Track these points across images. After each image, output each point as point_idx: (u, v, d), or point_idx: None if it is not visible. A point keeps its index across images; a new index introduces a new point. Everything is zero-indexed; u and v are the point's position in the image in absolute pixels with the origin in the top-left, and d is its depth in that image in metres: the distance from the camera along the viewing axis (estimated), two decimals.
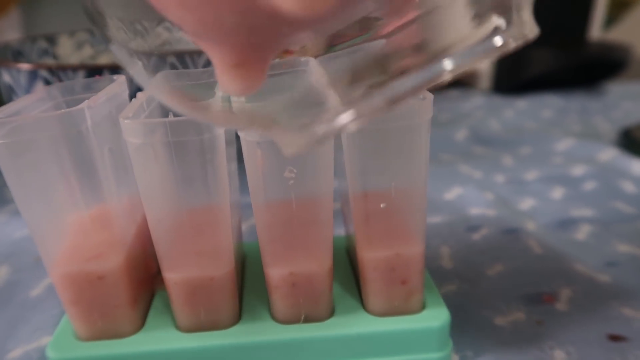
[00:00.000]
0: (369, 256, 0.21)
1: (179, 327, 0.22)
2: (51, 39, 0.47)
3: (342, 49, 0.22)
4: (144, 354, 0.21)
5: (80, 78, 0.33)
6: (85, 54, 0.49)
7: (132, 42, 0.48)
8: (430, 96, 0.19)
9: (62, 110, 0.18)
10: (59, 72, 0.33)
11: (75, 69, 0.33)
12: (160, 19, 0.54)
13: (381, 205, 0.20)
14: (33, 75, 0.33)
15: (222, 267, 0.21)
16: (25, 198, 0.19)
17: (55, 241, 0.20)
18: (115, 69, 0.33)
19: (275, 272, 0.21)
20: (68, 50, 0.48)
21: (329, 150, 0.19)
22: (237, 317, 0.22)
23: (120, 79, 0.22)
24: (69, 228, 0.20)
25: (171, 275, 0.20)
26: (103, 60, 0.50)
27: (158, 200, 0.19)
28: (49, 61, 0.46)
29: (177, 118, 0.18)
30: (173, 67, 0.34)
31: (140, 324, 0.22)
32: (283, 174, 0.19)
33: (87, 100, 0.19)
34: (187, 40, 0.51)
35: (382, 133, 0.19)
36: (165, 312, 0.23)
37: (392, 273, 0.21)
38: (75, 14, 0.62)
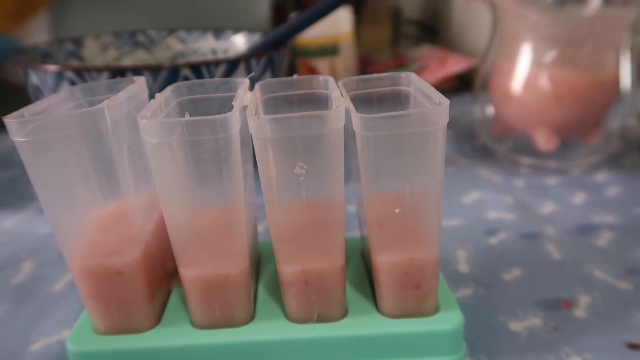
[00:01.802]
0: (383, 260, 0.21)
1: (194, 324, 0.22)
2: (78, 41, 0.48)
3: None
4: (160, 349, 0.21)
5: (103, 79, 0.34)
6: (110, 56, 0.51)
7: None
8: (446, 102, 0.19)
9: (83, 109, 0.18)
10: (84, 73, 0.34)
11: (99, 70, 0.34)
12: (172, 29, 0.55)
13: (395, 211, 0.20)
14: (59, 76, 0.34)
15: (237, 265, 0.21)
16: (47, 194, 0.19)
17: (75, 236, 0.21)
18: (137, 70, 0.34)
19: (288, 270, 0.21)
20: (94, 52, 0.49)
21: (338, 149, 0.19)
22: (252, 316, 0.22)
23: (140, 80, 0.23)
24: (89, 224, 0.21)
25: (187, 272, 0.21)
26: (127, 61, 0.51)
27: (174, 198, 0.20)
28: (75, 63, 0.47)
29: (192, 118, 0.18)
30: (187, 79, 0.34)
31: (157, 320, 0.22)
32: (294, 171, 0.19)
33: (106, 100, 0.19)
34: (203, 51, 0.52)
35: (397, 138, 0.19)
36: (181, 308, 0.23)
37: (405, 277, 0.21)
38: (101, 17, 0.64)
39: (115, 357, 0.21)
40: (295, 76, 0.23)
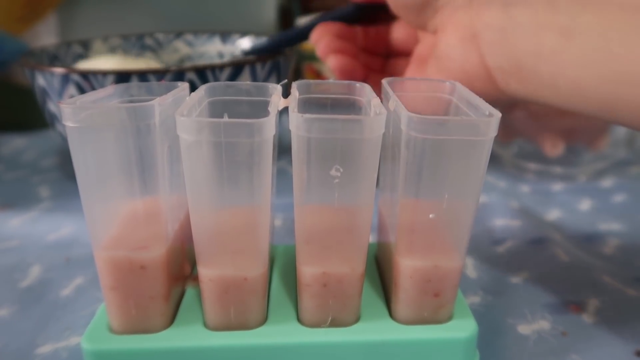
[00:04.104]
0: (407, 264, 0.21)
1: (207, 325, 0.22)
2: (85, 44, 0.49)
3: None
4: (174, 350, 0.21)
5: (110, 82, 0.34)
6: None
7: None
8: (497, 114, 0.19)
9: (136, 104, 0.19)
10: (90, 76, 0.34)
11: (105, 74, 0.34)
12: (179, 32, 0.55)
13: (430, 216, 0.20)
14: (65, 79, 0.34)
15: (257, 268, 0.21)
16: (86, 181, 0.20)
17: (106, 226, 0.21)
18: (143, 74, 0.34)
19: (308, 270, 0.21)
20: (101, 55, 0.50)
21: (375, 156, 0.19)
22: (265, 318, 0.23)
23: (184, 85, 0.23)
24: (121, 216, 0.21)
25: (206, 272, 0.21)
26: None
27: (203, 197, 0.20)
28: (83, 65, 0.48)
29: (231, 120, 0.18)
30: (191, 83, 0.35)
31: (171, 319, 0.23)
32: (329, 172, 0.19)
33: (158, 98, 0.20)
34: (210, 54, 0.52)
35: (445, 144, 0.19)
36: (194, 309, 0.23)
37: (426, 284, 0.21)
38: (108, 20, 0.64)
39: (130, 356, 0.21)
40: (331, 80, 0.23)
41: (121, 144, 0.20)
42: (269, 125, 0.19)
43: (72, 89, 0.35)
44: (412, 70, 0.30)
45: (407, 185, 0.20)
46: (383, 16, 0.33)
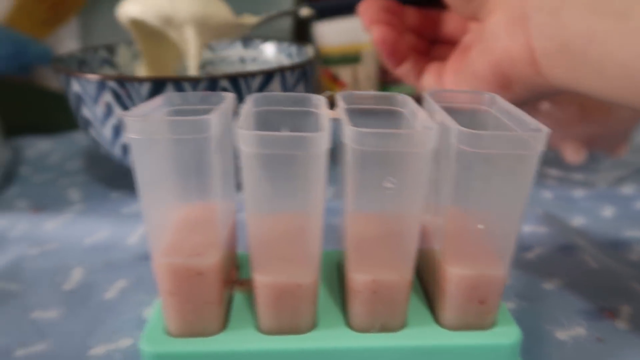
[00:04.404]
0: (454, 272, 0.22)
1: (260, 329, 0.23)
2: (111, 49, 0.49)
3: None
4: (231, 353, 0.22)
5: (145, 88, 0.34)
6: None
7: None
8: (546, 130, 0.20)
9: (195, 117, 0.20)
10: (126, 83, 0.35)
11: (141, 80, 0.34)
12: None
13: (479, 226, 0.21)
14: (102, 86, 0.35)
15: (310, 275, 0.22)
16: (146, 189, 0.21)
17: (164, 233, 0.22)
18: (178, 82, 0.35)
19: (359, 278, 0.22)
20: (126, 60, 0.50)
21: (427, 168, 0.20)
22: (315, 322, 0.23)
23: (231, 95, 0.24)
24: (177, 223, 0.22)
25: (261, 278, 0.22)
26: None
27: (261, 206, 0.21)
28: (109, 70, 0.48)
29: (291, 133, 0.19)
30: (224, 90, 0.35)
31: (223, 324, 0.23)
32: (382, 184, 0.20)
33: (215, 111, 0.20)
34: (231, 60, 0.53)
35: (495, 158, 0.20)
36: (245, 314, 0.24)
37: (472, 292, 0.22)
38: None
39: (188, 358, 0.22)
40: (373, 92, 0.24)
41: (180, 155, 0.21)
42: (323, 139, 0.19)
43: (107, 96, 0.35)
44: (455, 56, 0.30)
45: (456, 196, 0.21)
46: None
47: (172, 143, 0.20)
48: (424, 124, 0.21)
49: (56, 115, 0.57)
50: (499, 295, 0.23)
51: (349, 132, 0.20)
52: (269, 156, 0.19)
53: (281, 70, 0.37)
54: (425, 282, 0.26)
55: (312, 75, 0.42)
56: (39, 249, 0.34)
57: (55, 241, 0.35)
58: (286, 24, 0.76)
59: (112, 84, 0.35)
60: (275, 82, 0.37)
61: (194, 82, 0.35)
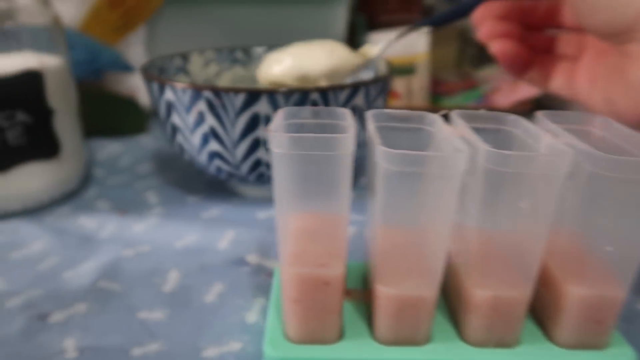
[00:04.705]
0: (574, 292, 0.22)
1: (377, 339, 0.24)
2: (185, 57, 0.51)
3: None
4: None
5: (240, 99, 0.36)
6: (211, 71, 0.53)
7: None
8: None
9: (333, 135, 0.21)
10: (221, 93, 0.36)
11: (237, 91, 0.36)
12: (269, 46, 0.57)
13: (607, 248, 0.21)
14: (197, 95, 0.36)
15: (432, 288, 0.22)
16: (282, 198, 0.22)
17: (294, 242, 0.23)
18: (272, 93, 0.36)
19: (479, 293, 0.22)
20: (198, 68, 0.52)
21: (556, 190, 0.21)
22: (430, 335, 0.24)
23: (346, 111, 0.24)
24: (305, 233, 0.23)
25: (385, 290, 0.23)
26: (226, 77, 0.54)
27: (391, 219, 0.22)
28: (183, 77, 0.50)
29: (434, 153, 0.20)
30: (314, 103, 0.36)
31: (340, 332, 0.24)
32: (517, 204, 0.20)
33: (350, 129, 0.21)
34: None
35: (631, 183, 0.20)
36: (359, 323, 0.25)
37: (591, 312, 0.22)
38: (188, 34, 0.66)
39: None
40: (484, 111, 0.25)
41: (318, 169, 0.21)
42: (462, 159, 0.20)
43: (201, 104, 0.37)
44: (591, 59, 0.29)
45: (583, 219, 0.22)
46: None
47: (313, 158, 0.21)
48: (553, 145, 0.21)
49: (124, 119, 0.59)
50: (616, 316, 0.23)
51: (487, 154, 0.20)
52: (408, 174, 0.20)
53: (366, 84, 0.38)
54: (535, 300, 0.26)
55: (388, 89, 0.43)
56: (133, 251, 0.36)
57: (147, 243, 0.37)
58: (339, 35, 0.77)
59: (207, 93, 0.36)
60: (360, 96, 0.38)
61: (287, 94, 0.36)
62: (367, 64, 0.43)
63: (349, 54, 0.42)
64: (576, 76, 0.29)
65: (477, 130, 0.25)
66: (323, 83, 0.40)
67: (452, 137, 0.22)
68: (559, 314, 0.23)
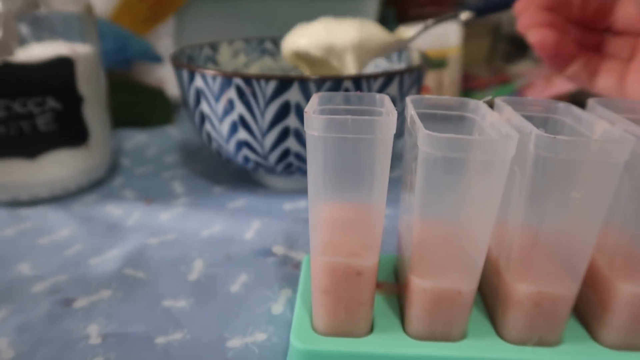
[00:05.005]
0: (626, 289, 0.21)
1: (408, 332, 0.23)
2: (214, 47, 0.50)
3: None
4: (380, 356, 0.22)
5: (271, 87, 0.35)
6: (239, 62, 0.52)
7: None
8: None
9: (373, 117, 0.20)
10: (252, 80, 0.35)
11: (267, 79, 0.35)
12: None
13: None
14: (228, 83, 0.36)
15: (471, 283, 0.21)
16: (316, 184, 0.21)
17: (327, 231, 0.22)
18: (304, 81, 0.35)
19: (522, 288, 0.21)
20: (226, 58, 0.51)
21: (614, 179, 0.19)
22: (466, 331, 0.23)
23: (384, 96, 0.23)
24: (339, 221, 0.22)
25: (421, 282, 0.21)
26: (254, 67, 0.53)
27: (431, 211, 0.21)
28: (212, 67, 0.49)
29: (484, 138, 0.18)
30: (347, 91, 0.35)
31: (370, 325, 0.23)
32: (570, 194, 0.19)
33: (392, 113, 0.20)
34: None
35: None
36: (390, 317, 0.24)
37: None
38: (217, 25, 0.66)
39: (338, 358, 0.22)
40: (530, 98, 0.23)
41: (355, 154, 0.20)
42: (512, 144, 0.19)
43: (231, 92, 0.36)
44: None
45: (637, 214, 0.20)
46: None
47: (350, 141, 0.20)
48: (610, 132, 0.20)
49: (151, 110, 0.59)
50: None
51: (539, 138, 0.19)
52: (452, 160, 0.19)
53: (400, 73, 0.37)
54: (579, 297, 0.25)
55: (422, 78, 0.42)
56: (158, 239, 0.35)
57: (173, 232, 0.36)
58: None
59: (238, 80, 0.35)
60: (394, 85, 0.37)
61: (319, 82, 0.35)
62: (400, 45, 0.42)
63: (380, 31, 0.40)
64: (628, 77, 0.27)
65: (525, 118, 0.24)
66: (349, 57, 0.39)
67: (499, 123, 0.21)
68: (606, 313, 0.22)
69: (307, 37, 0.40)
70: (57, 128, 0.39)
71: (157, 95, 0.59)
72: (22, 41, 0.37)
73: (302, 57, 0.41)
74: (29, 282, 0.30)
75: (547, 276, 0.21)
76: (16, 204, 0.40)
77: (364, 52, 0.39)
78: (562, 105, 0.23)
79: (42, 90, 0.38)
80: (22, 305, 0.28)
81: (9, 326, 0.27)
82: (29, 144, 0.38)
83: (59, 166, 0.40)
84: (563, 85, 0.67)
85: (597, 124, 0.21)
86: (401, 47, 0.42)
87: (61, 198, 0.41)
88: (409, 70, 0.38)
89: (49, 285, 0.30)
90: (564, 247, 0.21)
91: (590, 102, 0.24)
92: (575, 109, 0.23)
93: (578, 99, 0.67)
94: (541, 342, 0.22)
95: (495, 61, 0.84)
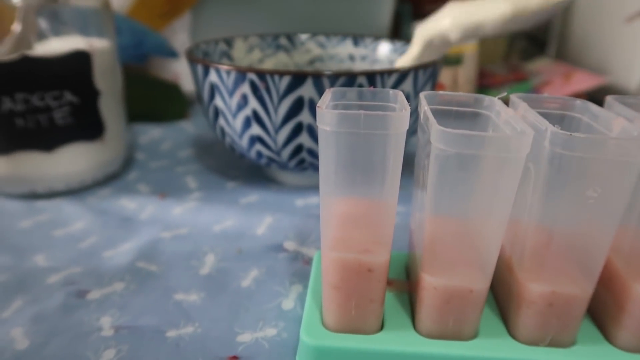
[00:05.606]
0: None
1: (419, 330, 0.23)
2: (229, 42, 0.50)
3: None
4: (390, 353, 0.22)
5: (285, 81, 0.35)
6: (254, 57, 0.52)
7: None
8: None
9: (390, 112, 0.19)
10: (266, 76, 0.35)
11: (281, 74, 0.35)
12: (313, 34, 0.56)
13: None
14: (242, 78, 0.36)
15: (483, 281, 0.21)
16: (327, 179, 0.21)
17: (338, 226, 0.22)
18: (317, 76, 0.35)
19: (536, 288, 0.21)
20: (241, 54, 0.51)
21: (633, 178, 0.19)
22: (477, 331, 0.23)
23: (397, 92, 0.23)
24: (350, 218, 0.22)
25: (432, 280, 0.21)
26: (269, 63, 0.53)
27: (443, 207, 0.20)
28: (227, 62, 0.49)
29: (498, 134, 0.18)
30: (361, 86, 0.35)
31: (381, 323, 0.23)
32: (585, 193, 0.19)
33: (406, 108, 0.20)
34: (341, 57, 0.53)
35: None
36: (400, 314, 0.24)
37: None
38: (232, 20, 0.66)
39: (348, 354, 0.22)
40: (547, 95, 0.23)
41: (366, 149, 0.20)
42: (527, 142, 0.18)
43: (245, 87, 0.36)
44: None
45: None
46: None
47: (362, 137, 0.20)
48: (628, 130, 0.19)
49: (166, 104, 0.60)
50: None
51: (555, 135, 0.19)
52: (465, 157, 0.19)
53: (415, 70, 0.37)
54: (593, 298, 0.24)
55: (437, 75, 0.41)
56: (171, 233, 0.35)
57: (185, 226, 0.36)
58: (385, 21, 0.75)
59: (252, 75, 0.35)
60: (408, 81, 0.37)
61: (333, 77, 0.35)
62: (559, 6, 0.34)
63: None
64: None
65: (541, 115, 0.24)
66: (495, 32, 0.33)
67: (514, 119, 0.20)
68: (621, 314, 0.21)
69: (448, 18, 0.35)
70: (73, 122, 0.40)
71: (172, 90, 0.59)
72: (40, 35, 0.37)
73: (441, 38, 0.36)
74: (44, 274, 0.31)
75: (561, 276, 0.21)
76: (33, 196, 0.40)
77: (516, 23, 0.33)
78: (579, 102, 0.23)
79: (59, 84, 0.39)
80: (37, 295, 0.29)
81: (24, 316, 0.27)
82: (46, 137, 0.39)
83: (75, 159, 0.41)
84: (581, 82, 0.66)
85: (615, 121, 0.20)
86: (551, 10, 0.36)
87: (77, 191, 0.42)
88: (424, 66, 0.37)
89: (63, 276, 0.31)
90: (579, 246, 0.20)
91: (608, 99, 0.23)
92: (593, 106, 0.22)
93: (596, 97, 0.66)
94: (554, 343, 0.22)
95: (512, 58, 0.83)
